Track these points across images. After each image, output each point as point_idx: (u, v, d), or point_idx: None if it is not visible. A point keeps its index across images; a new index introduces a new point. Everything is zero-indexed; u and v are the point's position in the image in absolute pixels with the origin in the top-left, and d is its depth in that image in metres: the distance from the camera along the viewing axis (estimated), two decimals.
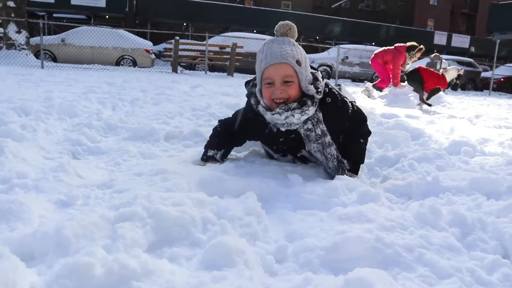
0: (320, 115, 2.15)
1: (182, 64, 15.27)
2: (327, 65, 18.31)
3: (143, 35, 18.81)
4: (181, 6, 25.69)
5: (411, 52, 8.07)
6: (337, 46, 17.25)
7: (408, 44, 8.16)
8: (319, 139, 2.14)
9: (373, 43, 26.75)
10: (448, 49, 29.39)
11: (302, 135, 2.15)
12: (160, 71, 14.21)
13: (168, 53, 14.98)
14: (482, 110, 7.95)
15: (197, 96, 6.21)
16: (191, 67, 16.41)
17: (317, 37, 29.75)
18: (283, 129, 2.13)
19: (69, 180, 1.81)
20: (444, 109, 7.17)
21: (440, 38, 30.35)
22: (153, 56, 16.70)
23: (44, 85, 6.15)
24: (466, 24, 48.43)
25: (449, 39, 30.69)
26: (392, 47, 8.39)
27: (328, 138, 2.16)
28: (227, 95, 6.69)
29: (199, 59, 15.45)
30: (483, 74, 22.17)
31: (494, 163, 2.63)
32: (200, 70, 15.86)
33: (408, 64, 8.24)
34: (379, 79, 8.86)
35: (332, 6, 40.32)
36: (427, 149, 2.88)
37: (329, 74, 18.20)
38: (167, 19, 26.03)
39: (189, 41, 18.87)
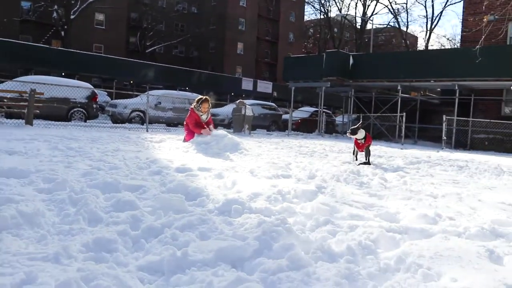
0: None
1: None
2: (140, 110, 18.18)
3: None
4: None
5: (196, 106, 9.12)
6: (146, 93, 17.28)
7: (193, 103, 9.27)
8: None
9: (187, 88, 27.77)
10: (254, 94, 32.37)
11: None
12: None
13: None
14: (274, 154, 8.80)
15: None
16: None
17: (131, 82, 29.48)
18: None
19: None
20: (240, 157, 7.65)
21: (247, 84, 33.26)
22: None
23: None
24: (269, 72, 54.39)
25: (255, 85, 33.87)
26: None
27: None
28: (12, 153, 5.95)
29: None
30: (284, 116, 24.93)
31: (249, 225, 2.88)
32: None
33: (202, 115, 8.95)
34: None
35: (147, 51, 40.74)
36: (193, 215, 3.01)
37: (142, 120, 18.09)
38: None
39: None
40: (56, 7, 33.74)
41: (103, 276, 1.94)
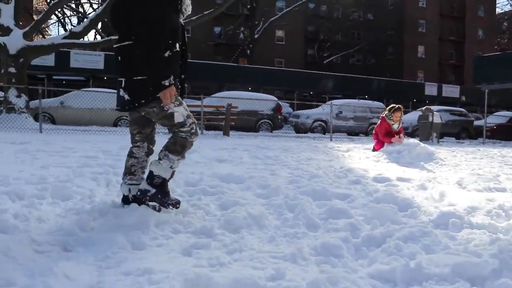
0: None
1: None
2: (322, 120, 18.65)
3: None
4: None
5: (387, 114, 8.79)
6: (329, 102, 17.64)
7: (385, 112, 8.99)
8: None
9: (366, 97, 27.39)
10: (439, 99, 30.10)
11: None
12: (157, 132, 14.33)
13: None
14: (475, 165, 8.04)
15: (191, 164, 6.28)
16: None
17: (311, 92, 30.47)
18: None
19: (57, 285, 1.85)
20: (436, 167, 7.22)
21: (430, 89, 31.14)
22: None
23: (40, 156, 6.23)
24: (454, 74, 49.88)
25: (439, 89, 31.48)
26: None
27: None
28: (222, 161, 6.77)
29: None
30: (476, 123, 22.54)
31: (479, 241, 2.67)
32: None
33: (394, 124, 8.65)
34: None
35: (324, 62, 41.61)
36: (413, 226, 2.93)
37: (324, 129, 18.49)
38: None
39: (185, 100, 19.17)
40: (242, 28, 37.31)
41: (344, 280, 2.03)
